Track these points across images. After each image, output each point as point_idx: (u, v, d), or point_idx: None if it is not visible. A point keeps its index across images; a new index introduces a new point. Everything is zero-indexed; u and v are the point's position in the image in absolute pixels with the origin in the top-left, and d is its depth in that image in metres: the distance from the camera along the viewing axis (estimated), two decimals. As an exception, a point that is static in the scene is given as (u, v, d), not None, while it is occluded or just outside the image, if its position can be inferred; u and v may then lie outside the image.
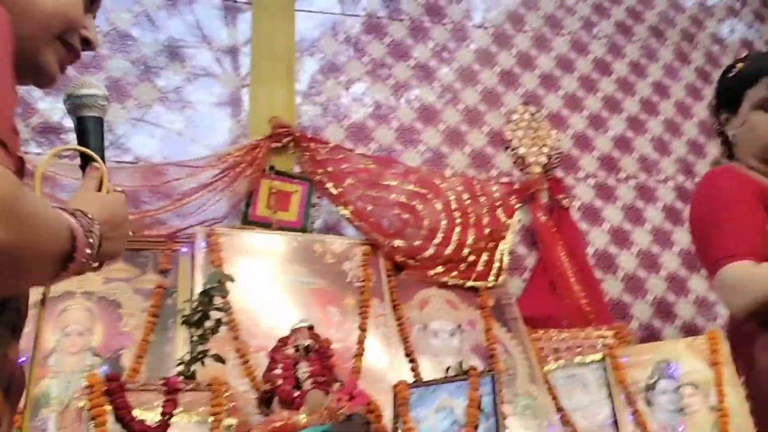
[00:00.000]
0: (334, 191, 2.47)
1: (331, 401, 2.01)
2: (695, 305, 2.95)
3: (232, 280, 1.88)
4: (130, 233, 0.94)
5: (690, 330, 2.85)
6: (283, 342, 2.09)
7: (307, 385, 2.06)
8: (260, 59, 2.68)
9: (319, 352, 2.08)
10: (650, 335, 2.81)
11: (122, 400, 1.76)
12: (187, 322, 1.86)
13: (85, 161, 0.95)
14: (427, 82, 2.94)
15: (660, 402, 2.41)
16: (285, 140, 2.48)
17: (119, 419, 1.76)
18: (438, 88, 2.95)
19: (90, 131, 0.96)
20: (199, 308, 1.85)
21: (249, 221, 2.35)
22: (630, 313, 2.85)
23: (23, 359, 0.82)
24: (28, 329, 0.80)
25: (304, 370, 2.06)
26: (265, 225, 2.37)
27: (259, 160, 2.39)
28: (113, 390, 1.77)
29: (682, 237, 3.04)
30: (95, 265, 0.82)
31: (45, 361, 1.93)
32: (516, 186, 2.78)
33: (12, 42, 0.73)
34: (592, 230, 2.93)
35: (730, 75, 1.62)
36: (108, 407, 1.74)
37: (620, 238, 2.97)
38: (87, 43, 0.95)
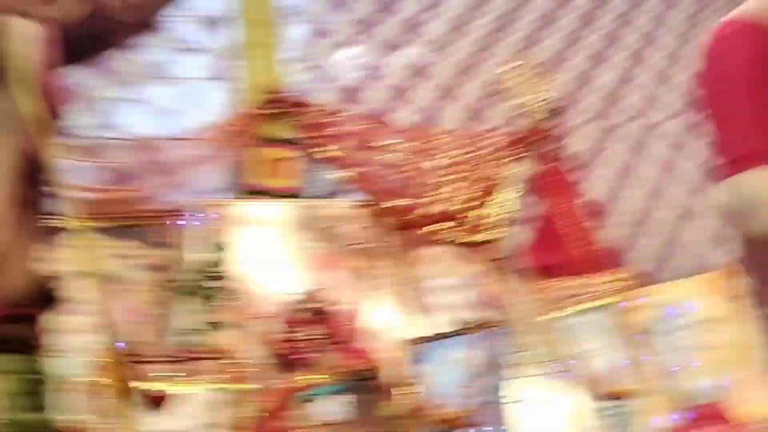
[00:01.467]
0: (334, 154, 2.46)
1: (340, 361, 2.05)
2: (702, 245, 2.93)
3: (228, 249, 1.90)
4: None
5: (696, 270, 2.83)
6: (291, 306, 2.12)
7: (318, 346, 2.10)
8: (251, 25, 2.63)
9: (327, 314, 2.11)
10: (653, 278, 2.80)
11: (138, 373, 1.81)
12: (190, 292, 1.89)
13: None
14: (416, 38, 2.88)
15: (670, 341, 2.42)
16: (277, 107, 2.46)
17: (136, 392, 1.81)
18: (428, 44, 2.89)
19: None
20: (201, 279, 1.88)
21: (246, 191, 2.35)
22: (631, 257, 2.83)
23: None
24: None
25: (313, 332, 2.10)
26: (263, 193, 2.37)
27: (252, 129, 2.38)
28: (129, 363, 1.81)
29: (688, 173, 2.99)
30: None
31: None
32: (513, 137, 2.74)
33: None
34: (591, 176, 2.89)
35: None
36: (126, 381, 1.79)
37: (620, 183, 2.94)
38: None
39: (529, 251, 2.62)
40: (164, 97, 2.62)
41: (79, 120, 2.43)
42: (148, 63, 2.60)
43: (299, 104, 2.52)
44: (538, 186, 2.73)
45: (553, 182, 2.70)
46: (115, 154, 2.25)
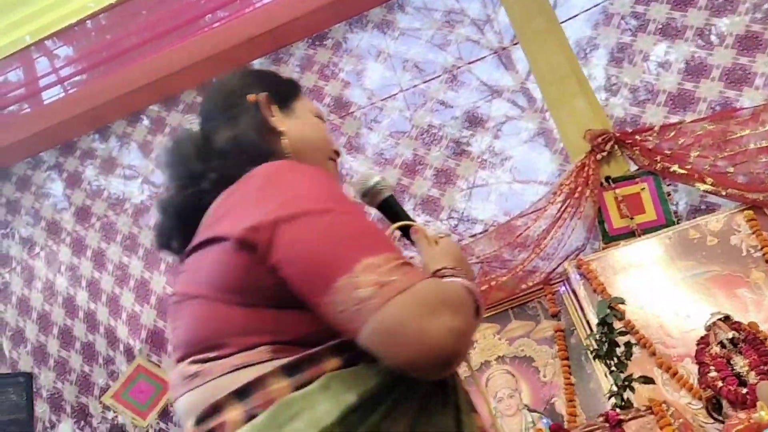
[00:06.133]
0: (682, 171, 2.29)
1: (789, 388, 1.79)
2: None
3: (622, 302, 1.86)
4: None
5: None
6: (704, 342, 1.96)
7: (752, 378, 1.88)
8: (548, 84, 2.69)
9: (748, 340, 1.89)
10: None
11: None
12: (599, 355, 1.88)
13: (404, 232, 1.04)
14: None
15: None
16: (608, 146, 2.41)
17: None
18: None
19: (394, 208, 1.07)
20: (604, 339, 1.86)
21: (610, 238, 2.31)
22: None
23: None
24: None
25: (740, 364, 1.89)
26: (629, 235, 2.29)
27: (592, 177, 2.36)
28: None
29: None
30: None
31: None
32: None
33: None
34: None
35: None
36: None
37: None
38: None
39: None
40: (500, 177, 2.81)
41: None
42: (474, 154, 2.83)
43: (628, 134, 2.44)
44: None
45: None
46: (481, 247, 2.44)
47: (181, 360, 0.81)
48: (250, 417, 0.69)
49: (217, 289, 0.78)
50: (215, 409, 0.72)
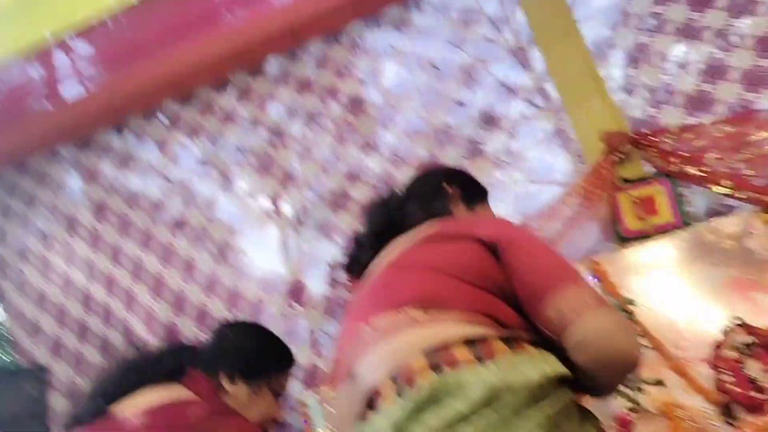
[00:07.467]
0: (698, 173, 2.27)
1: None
2: None
3: (632, 303, 1.85)
4: None
5: None
6: (719, 346, 1.94)
7: (766, 382, 1.86)
8: (565, 85, 2.68)
9: (762, 345, 1.87)
10: None
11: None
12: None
13: None
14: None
15: None
16: (623, 148, 2.39)
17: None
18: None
19: None
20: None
21: (625, 240, 2.29)
22: None
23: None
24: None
25: (755, 368, 1.88)
26: (643, 237, 2.27)
27: (607, 179, 2.35)
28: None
29: None
30: None
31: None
32: None
33: None
34: None
35: None
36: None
37: None
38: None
39: None
40: (516, 177, 2.80)
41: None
42: (488, 153, 2.82)
43: (644, 136, 2.42)
44: None
45: None
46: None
47: (396, 308, 1.03)
48: (478, 359, 0.91)
49: (453, 267, 1.05)
50: (445, 346, 0.93)
